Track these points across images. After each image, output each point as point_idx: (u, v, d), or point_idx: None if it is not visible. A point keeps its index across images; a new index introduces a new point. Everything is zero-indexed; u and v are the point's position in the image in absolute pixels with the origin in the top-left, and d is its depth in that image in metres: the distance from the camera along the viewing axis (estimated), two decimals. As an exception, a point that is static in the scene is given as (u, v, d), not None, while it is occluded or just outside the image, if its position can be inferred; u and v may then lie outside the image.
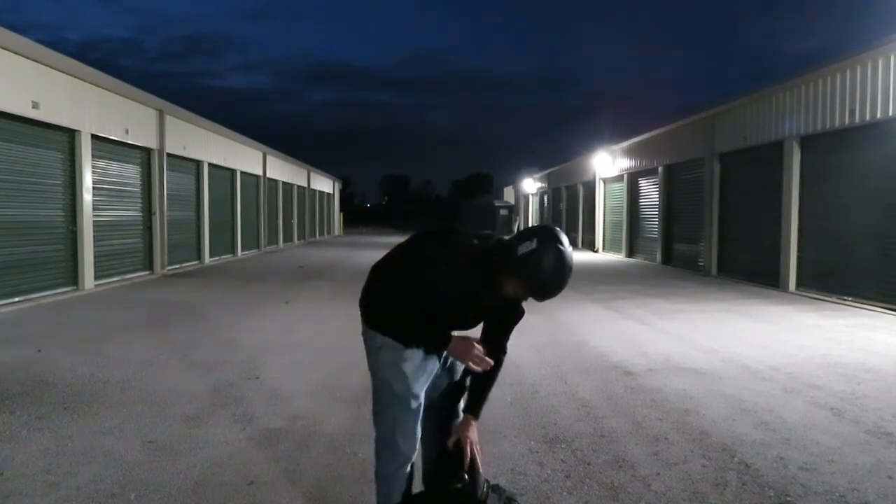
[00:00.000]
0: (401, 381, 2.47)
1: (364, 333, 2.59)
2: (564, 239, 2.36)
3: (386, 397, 2.51)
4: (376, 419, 2.58)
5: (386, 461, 2.56)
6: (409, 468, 2.57)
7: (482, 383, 2.66)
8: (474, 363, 2.44)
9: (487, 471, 3.54)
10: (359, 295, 2.59)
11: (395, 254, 2.55)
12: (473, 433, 2.61)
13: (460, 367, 2.66)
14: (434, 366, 2.57)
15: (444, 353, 2.56)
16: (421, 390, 2.51)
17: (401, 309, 2.39)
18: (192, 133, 17.17)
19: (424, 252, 2.47)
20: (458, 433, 2.59)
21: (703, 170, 15.97)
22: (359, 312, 2.57)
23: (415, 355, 2.48)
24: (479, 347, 2.46)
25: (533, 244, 2.31)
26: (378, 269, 2.56)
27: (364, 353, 2.61)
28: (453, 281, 2.38)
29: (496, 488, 2.63)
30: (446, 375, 2.67)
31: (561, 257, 2.31)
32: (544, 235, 2.34)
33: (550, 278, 2.32)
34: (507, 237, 2.54)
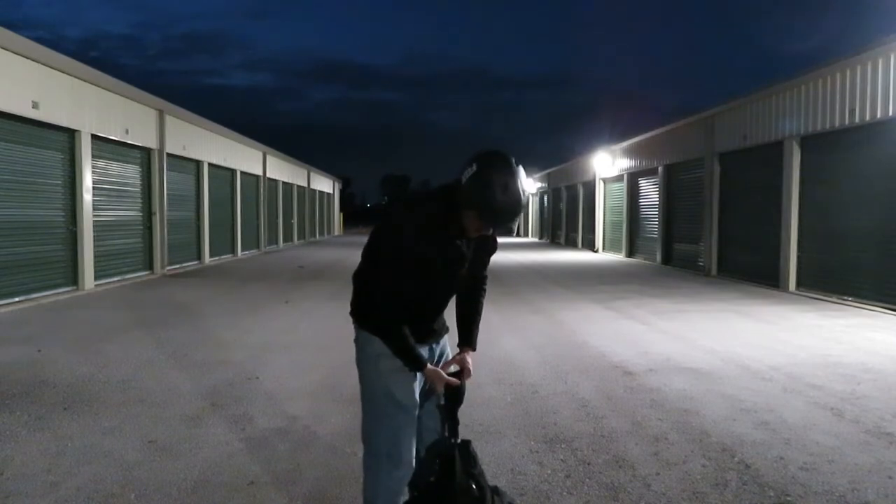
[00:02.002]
0: (403, 389, 2.40)
1: (357, 339, 2.50)
2: (508, 157, 2.22)
3: (388, 407, 2.41)
4: (373, 431, 2.46)
5: (388, 474, 2.43)
6: (409, 478, 2.47)
7: (470, 316, 2.62)
8: (443, 388, 2.43)
9: (487, 471, 3.54)
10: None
11: (365, 250, 2.48)
12: (470, 365, 2.54)
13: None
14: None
15: (434, 361, 2.53)
16: (419, 398, 2.47)
17: (390, 309, 2.32)
18: (192, 133, 17.18)
19: (391, 225, 2.37)
20: (460, 364, 2.51)
21: (703, 170, 15.97)
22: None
23: None
24: (449, 380, 2.42)
25: (473, 168, 2.19)
26: (357, 274, 2.51)
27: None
28: (426, 238, 2.28)
29: (497, 490, 2.62)
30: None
31: (503, 174, 2.17)
32: (484, 157, 2.21)
33: (499, 200, 2.16)
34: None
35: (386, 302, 2.33)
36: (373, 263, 2.42)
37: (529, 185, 2.31)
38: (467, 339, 2.62)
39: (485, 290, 2.68)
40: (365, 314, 2.47)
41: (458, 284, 2.54)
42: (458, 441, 2.44)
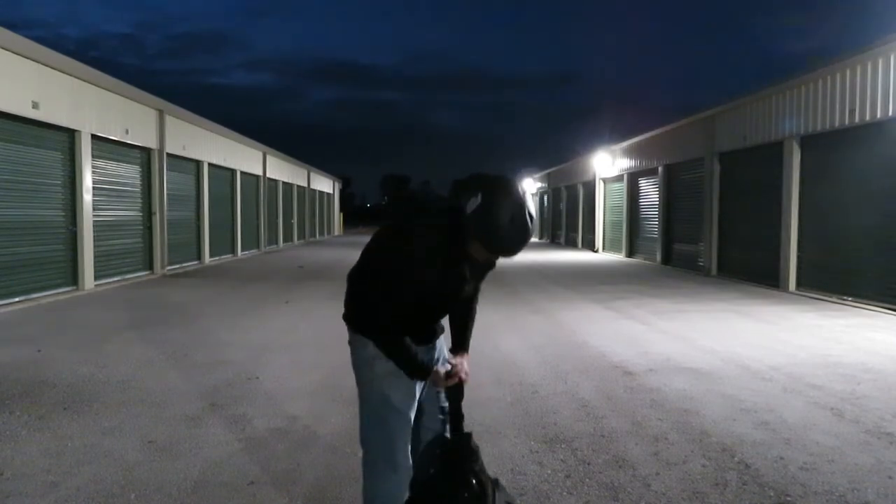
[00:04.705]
0: (400, 393, 2.38)
1: (352, 343, 2.48)
2: (513, 184, 2.15)
3: (384, 410, 2.39)
4: (370, 434, 2.45)
5: (385, 477, 2.41)
6: (408, 481, 2.45)
7: (464, 321, 2.61)
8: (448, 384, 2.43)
9: (488, 471, 3.54)
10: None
11: (365, 260, 2.44)
12: (468, 366, 2.52)
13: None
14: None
15: (431, 363, 2.51)
16: (416, 400, 2.44)
17: (386, 320, 2.29)
18: (192, 133, 17.18)
19: (398, 249, 2.31)
20: (457, 368, 2.46)
21: (703, 170, 15.97)
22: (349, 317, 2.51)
23: None
24: (454, 376, 2.42)
25: (478, 199, 2.11)
26: (354, 275, 2.48)
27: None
28: (432, 268, 2.25)
29: (497, 484, 2.60)
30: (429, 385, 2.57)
31: (510, 203, 2.10)
32: (489, 186, 2.14)
33: (507, 230, 2.11)
34: (455, 197, 2.24)
35: (385, 318, 2.29)
36: (373, 275, 2.37)
37: (534, 207, 2.28)
38: (461, 344, 2.61)
39: (477, 298, 2.68)
40: (362, 323, 2.43)
41: (455, 306, 2.56)
42: (460, 435, 2.44)
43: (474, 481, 2.37)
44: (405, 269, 2.25)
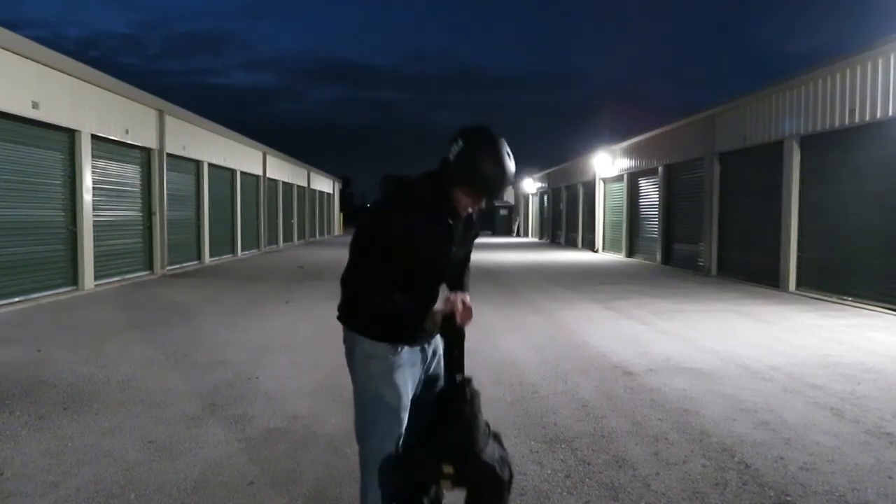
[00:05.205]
0: (393, 392, 2.38)
1: (347, 342, 2.49)
2: (491, 131, 2.31)
3: (377, 409, 2.40)
4: (364, 433, 2.46)
5: (379, 474, 2.43)
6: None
7: (458, 275, 2.59)
8: (459, 317, 2.38)
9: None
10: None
11: (352, 244, 2.45)
12: (468, 300, 2.47)
13: (440, 377, 2.58)
14: (418, 373, 2.49)
15: (427, 361, 2.50)
16: (409, 399, 2.44)
17: (381, 296, 2.29)
18: (192, 133, 17.18)
19: (379, 214, 2.38)
20: (453, 302, 2.40)
21: (703, 170, 15.97)
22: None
23: (404, 363, 2.40)
24: (454, 310, 2.37)
25: (459, 144, 2.26)
26: (345, 275, 2.47)
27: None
28: (417, 225, 2.28)
29: (497, 438, 2.52)
30: (425, 384, 2.56)
31: (492, 145, 2.26)
32: (469, 132, 2.29)
33: (490, 170, 2.24)
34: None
35: (373, 284, 2.31)
36: (362, 252, 2.38)
37: (512, 158, 2.39)
38: (459, 287, 2.57)
39: (468, 268, 2.68)
40: (353, 311, 2.44)
41: (446, 274, 2.51)
42: (460, 378, 2.41)
43: (465, 422, 2.34)
44: (390, 232, 2.29)
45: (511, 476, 2.48)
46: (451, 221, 2.37)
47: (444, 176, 2.31)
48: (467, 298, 2.46)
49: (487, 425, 2.47)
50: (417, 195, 2.35)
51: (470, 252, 2.67)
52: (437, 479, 2.38)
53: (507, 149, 2.29)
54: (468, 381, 2.42)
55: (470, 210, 2.41)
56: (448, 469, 2.34)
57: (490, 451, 2.40)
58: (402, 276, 2.33)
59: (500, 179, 2.27)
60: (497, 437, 2.52)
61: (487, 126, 2.33)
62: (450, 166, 2.28)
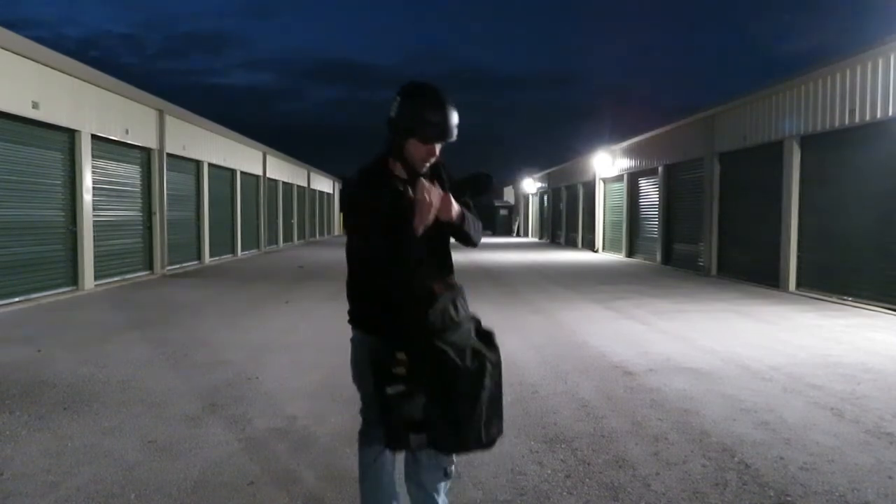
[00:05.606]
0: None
1: (353, 340, 2.53)
2: (425, 81, 2.38)
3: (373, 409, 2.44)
4: (365, 413, 2.55)
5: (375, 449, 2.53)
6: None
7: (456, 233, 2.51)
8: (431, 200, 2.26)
9: (488, 471, 3.54)
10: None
11: (347, 248, 2.50)
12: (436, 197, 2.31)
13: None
14: None
15: None
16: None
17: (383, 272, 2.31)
18: (192, 133, 17.18)
19: (344, 203, 2.51)
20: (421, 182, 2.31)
21: (703, 170, 15.97)
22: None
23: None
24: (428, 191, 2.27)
25: (398, 99, 2.34)
26: (349, 280, 2.53)
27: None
28: (374, 190, 2.35)
29: (490, 340, 2.31)
30: None
31: (425, 89, 2.32)
32: (405, 87, 2.37)
33: (432, 114, 2.29)
34: None
35: (364, 259, 2.41)
36: (349, 258, 2.49)
37: (450, 99, 2.41)
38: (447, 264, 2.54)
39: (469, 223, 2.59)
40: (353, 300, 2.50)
41: (413, 246, 2.34)
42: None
43: (451, 308, 2.21)
44: (357, 208, 2.39)
45: (482, 370, 2.15)
46: (400, 187, 2.33)
47: (392, 136, 2.36)
48: (441, 194, 2.31)
49: (475, 319, 2.30)
50: (364, 166, 2.45)
51: (460, 215, 2.42)
52: (390, 370, 2.14)
53: (442, 91, 2.34)
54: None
55: (429, 163, 2.38)
56: (401, 355, 2.13)
57: (457, 339, 2.13)
58: (378, 244, 2.31)
59: (441, 117, 2.29)
60: (489, 336, 2.30)
61: (421, 80, 2.41)
62: (393, 122, 2.33)
